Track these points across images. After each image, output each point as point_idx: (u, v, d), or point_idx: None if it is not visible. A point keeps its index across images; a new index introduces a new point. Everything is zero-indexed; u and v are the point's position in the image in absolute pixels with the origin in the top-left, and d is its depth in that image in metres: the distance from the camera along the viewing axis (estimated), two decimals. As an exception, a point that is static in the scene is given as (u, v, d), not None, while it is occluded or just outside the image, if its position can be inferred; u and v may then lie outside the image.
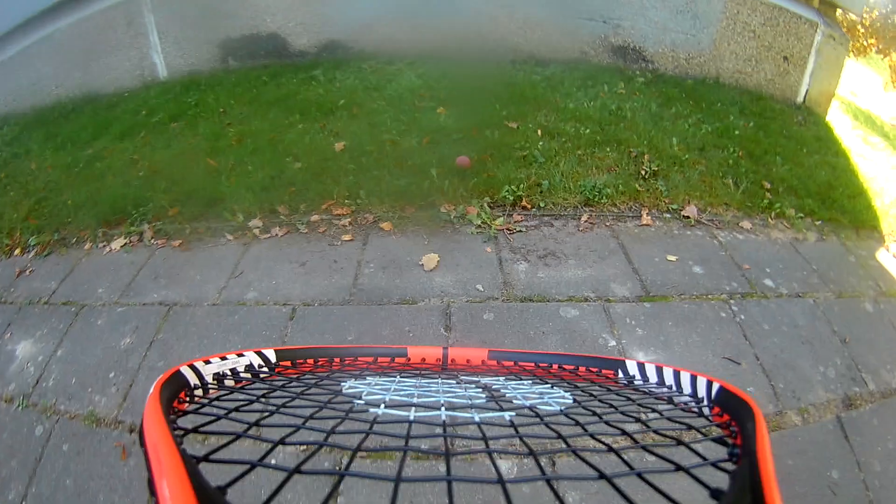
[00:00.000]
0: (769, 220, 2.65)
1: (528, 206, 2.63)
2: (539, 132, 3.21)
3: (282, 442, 0.33)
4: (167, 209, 2.71)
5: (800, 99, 4.33)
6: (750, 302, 2.11)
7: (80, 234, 2.67)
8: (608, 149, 3.03)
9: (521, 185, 2.69)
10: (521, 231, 2.46)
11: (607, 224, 2.54)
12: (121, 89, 4.27)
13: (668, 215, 2.60)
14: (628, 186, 2.73)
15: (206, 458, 0.29)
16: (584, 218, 2.53)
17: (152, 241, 2.56)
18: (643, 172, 2.82)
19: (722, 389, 0.41)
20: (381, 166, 2.90)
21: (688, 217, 2.57)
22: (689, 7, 4.12)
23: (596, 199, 2.64)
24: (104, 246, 2.57)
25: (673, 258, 2.32)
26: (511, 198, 2.60)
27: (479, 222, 2.49)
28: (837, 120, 4.37)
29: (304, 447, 1.44)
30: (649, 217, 2.57)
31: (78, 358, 1.95)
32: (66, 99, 4.18)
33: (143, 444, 0.28)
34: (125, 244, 2.56)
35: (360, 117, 3.45)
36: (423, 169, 2.84)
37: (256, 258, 2.39)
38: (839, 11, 4.32)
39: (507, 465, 1.48)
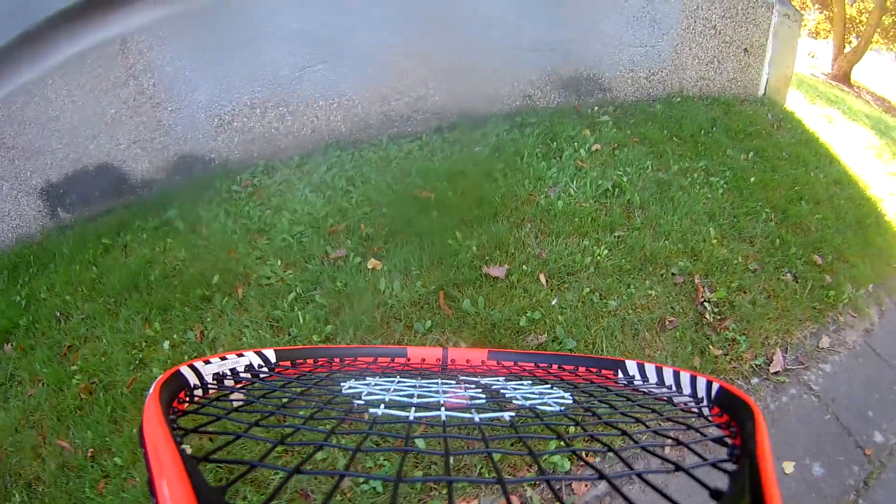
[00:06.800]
0: (839, 318, 2.79)
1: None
2: (541, 276, 2.56)
3: (282, 442, 0.36)
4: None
5: (761, 91, 4.69)
6: (873, 487, 2.11)
7: None
8: (645, 279, 2.61)
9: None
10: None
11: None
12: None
13: (757, 380, 2.39)
14: (703, 354, 2.37)
15: (206, 458, 0.32)
16: (666, 449, 1.91)
17: None
18: (706, 315, 2.52)
19: (721, 389, 0.45)
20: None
21: (777, 373, 2.42)
22: (646, 11, 4.05)
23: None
24: None
25: (790, 465, 2.11)
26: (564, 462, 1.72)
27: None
28: (794, 102, 4.90)
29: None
30: (740, 397, 2.35)
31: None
32: None
33: (142, 444, 0.30)
34: None
35: (250, 303, 2.58)
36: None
37: None
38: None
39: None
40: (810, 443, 2.22)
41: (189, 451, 0.31)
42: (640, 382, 0.63)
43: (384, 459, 1.70)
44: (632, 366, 0.66)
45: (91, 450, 2.16)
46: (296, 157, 3.69)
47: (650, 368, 0.62)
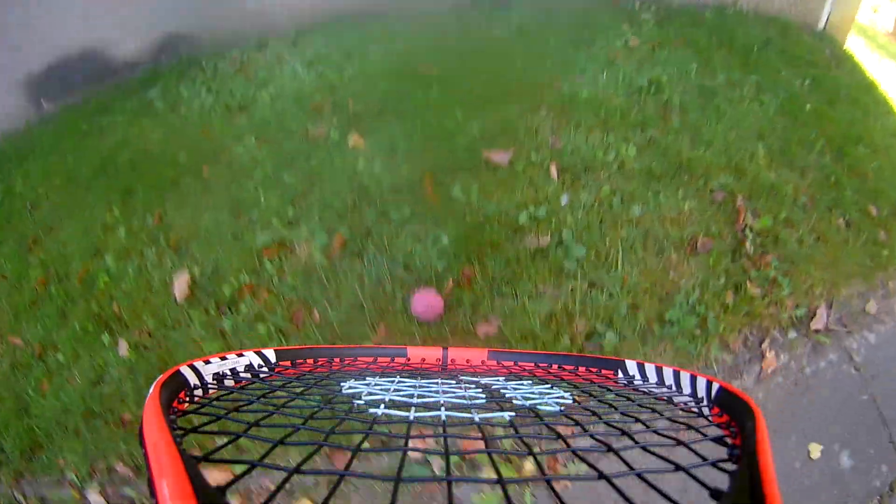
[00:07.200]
0: (889, 283, 2.49)
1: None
2: (552, 168, 2.30)
3: (282, 442, 0.37)
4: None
5: (821, 24, 4.32)
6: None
7: None
8: (678, 190, 2.35)
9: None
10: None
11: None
12: None
13: (795, 334, 2.14)
14: (738, 290, 2.10)
15: (206, 458, 0.32)
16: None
17: None
18: (746, 244, 2.24)
19: (722, 389, 0.46)
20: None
21: (818, 331, 2.17)
22: None
23: (696, 343, 1.90)
24: None
25: (817, 449, 1.91)
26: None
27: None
28: (854, 46, 4.48)
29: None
30: (772, 353, 2.05)
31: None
32: None
33: (142, 444, 0.30)
34: None
35: (215, 184, 2.49)
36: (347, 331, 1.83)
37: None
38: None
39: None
40: (843, 425, 1.99)
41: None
42: (640, 382, 0.63)
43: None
44: (632, 366, 0.66)
45: (39, 346, 2.16)
46: (292, 32, 3.55)
47: (650, 368, 0.62)
